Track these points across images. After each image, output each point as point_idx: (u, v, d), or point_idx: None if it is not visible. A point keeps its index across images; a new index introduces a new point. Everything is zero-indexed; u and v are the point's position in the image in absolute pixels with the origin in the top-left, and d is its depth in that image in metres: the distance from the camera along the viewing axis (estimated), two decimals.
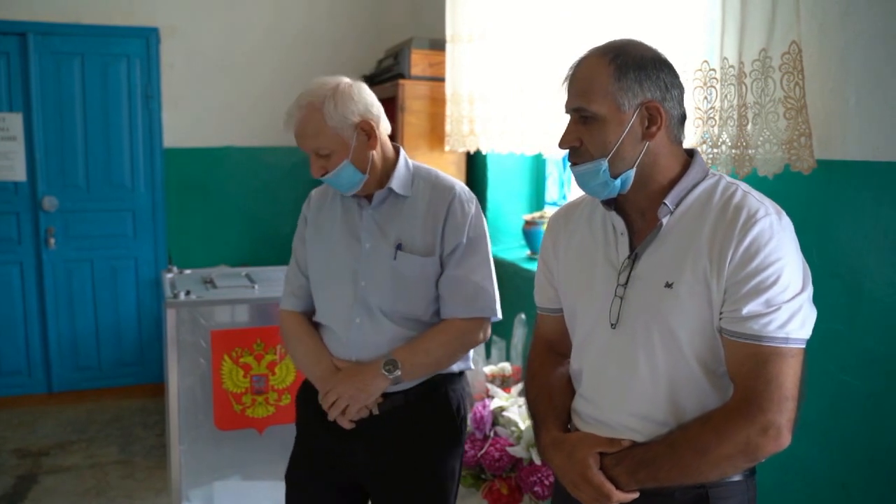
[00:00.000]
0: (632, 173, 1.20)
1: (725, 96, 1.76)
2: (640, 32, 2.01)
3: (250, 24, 4.30)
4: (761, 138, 1.66)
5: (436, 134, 3.41)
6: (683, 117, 1.24)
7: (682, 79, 1.24)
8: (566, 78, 1.25)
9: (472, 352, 1.78)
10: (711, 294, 1.14)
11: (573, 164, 1.24)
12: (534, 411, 1.41)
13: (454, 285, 1.67)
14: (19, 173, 4.01)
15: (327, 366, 1.70)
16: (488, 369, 2.48)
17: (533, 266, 3.02)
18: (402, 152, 1.74)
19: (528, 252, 3.22)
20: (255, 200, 4.43)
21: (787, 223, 1.16)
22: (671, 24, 1.96)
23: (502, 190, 3.44)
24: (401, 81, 3.38)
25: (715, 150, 1.80)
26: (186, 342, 2.57)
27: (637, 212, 1.26)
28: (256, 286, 2.74)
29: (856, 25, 1.56)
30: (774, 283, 1.11)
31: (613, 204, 1.27)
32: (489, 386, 2.39)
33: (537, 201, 3.49)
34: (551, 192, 3.45)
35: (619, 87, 1.17)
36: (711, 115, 1.81)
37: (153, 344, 4.27)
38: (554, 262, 1.40)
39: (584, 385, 1.33)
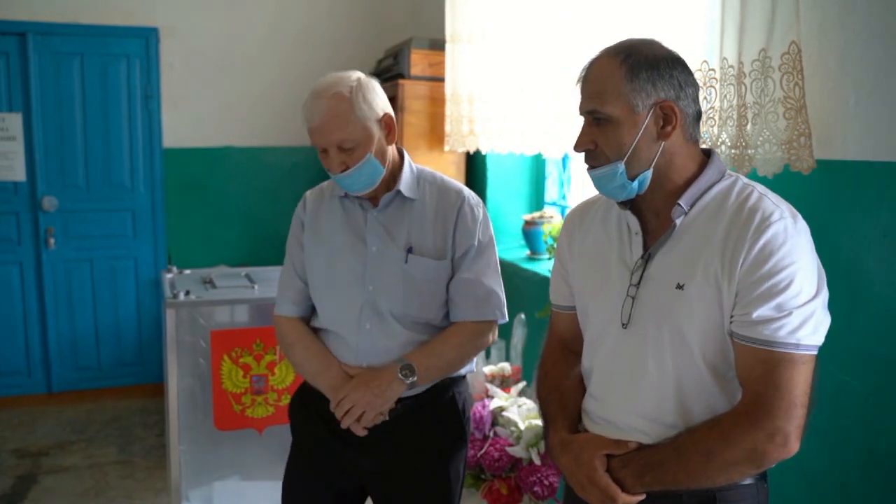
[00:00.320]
0: (649, 174, 1.19)
1: (725, 96, 1.76)
2: (640, 32, 2.01)
3: (250, 24, 4.30)
4: (761, 138, 1.66)
5: (435, 134, 3.41)
6: (699, 115, 1.22)
7: None
8: (578, 79, 1.24)
9: None
10: (722, 297, 1.13)
11: (589, 168, 1.23)
12: (544, 411, 1.41)
13: (466, 288, 1.66)
14: (19, 173, 4.01)
15: (338, 373, 1.65)
16: (488, 369, 2.48)
17: (532, 266, 3.02)
18: (406, 154, 1.73)
19: (527, 252, 3.21)
20: (255, 200, 4.43)
21: (803, 227, 1.15)
22: (671, 24, 1.96)
23: (502, 190, 3.44)
24: (400, 81, 3.38)
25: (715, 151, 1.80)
26: (186, 342, 2.57)
27: (652, 211, 1.25)
28: (256, 286, 2.73)
29: (855, 25, 1.56)
30: (786, 287, 1.09)
31: (629, 203, 1.26)
32: (489, 386, 2.39)
33: (537, 201, 3.49)
34: (551, 192, 3.45)
35: (631, 87, 1.15)
36: (711, 115, 1.81)
37: (153, 344, 4.27)
38: (569, 260, 1.39)
39: (593, 384, 1.33)
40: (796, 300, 1.10)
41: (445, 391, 1.71)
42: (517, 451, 2.14)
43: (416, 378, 1.60)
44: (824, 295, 1.14)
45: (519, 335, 2.58)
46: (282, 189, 4.38)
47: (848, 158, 1.59)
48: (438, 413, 1.71)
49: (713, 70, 1.80)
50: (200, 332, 2.58)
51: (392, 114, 1.64)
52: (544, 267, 2.96)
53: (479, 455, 2.20)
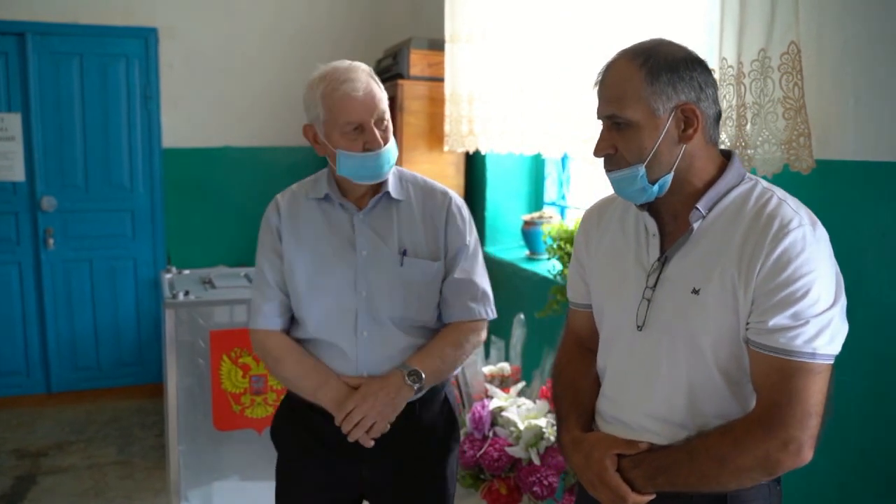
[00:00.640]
0: (669, 177, 1.17)
1: (724, 96, 1.76)
2: (640, 33, 2.01)
3: (249, 24, 4.30)
4: (760, 138, 1.66)
5: (435, 134, 3.41)
6: (719, 115, 1.21)
7: None
8: (595, 83, 1.22)
9: None
10: (738, 303, 1.12)
11: (608, 171, 1.21)
12: (557, 408, 1.40)
13: (461, 288, 1.66)
14: (18, 173, 4.01)
15: (338, 385, 1.59)
16: (487, 369, 2.48)
17: (532, 266, 3.02)
18: None
19: (527, 252, 3.21)
20: (254, 201, 4.39)
21: (822, 234, 1.13)
22: (670, 25, 1.96)
23: (501, 190, 3.44)
24: (400, 81, 3.38)
25: None
26: (185, 342, 2.57)
27: (670, 214, 1.23)
28: None
29: (854, 25, 1.56)
30: (803, 296, 1.08)
31: (647, 205, 1.24)
32: (488, 386, 2.39)
33: (536, 201, 3.49)
34: (550, 193, 3.45)
35: (651, 91, 1.13)
36: None
37: (152, 344, 4.26)
38: (586, 258, 1.38)
39: (606, 383, 1.32)
40: (813, 309, 1.08)
41: (439, 392, 1.71)
42: (516, 451, 2.14)
43: (423, 383, 1.58)
44: (842, 303, 1.12)
45: (518, 335, 2.58)
46: (281, 189, 4.36)
47: (847, 158, 1.59)
48: (435, 414, 1.70)
49: (713, 70, 1.80)
50: (200, 332, 2.58)
51: None
52: (543, 267, 2.96)
53: (478, 455, 2.20)
